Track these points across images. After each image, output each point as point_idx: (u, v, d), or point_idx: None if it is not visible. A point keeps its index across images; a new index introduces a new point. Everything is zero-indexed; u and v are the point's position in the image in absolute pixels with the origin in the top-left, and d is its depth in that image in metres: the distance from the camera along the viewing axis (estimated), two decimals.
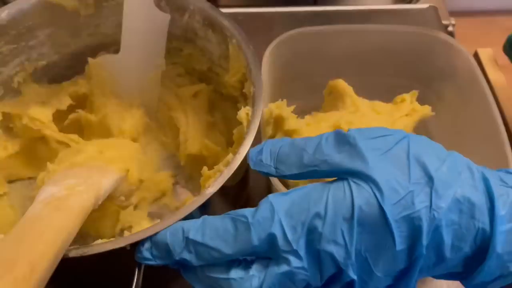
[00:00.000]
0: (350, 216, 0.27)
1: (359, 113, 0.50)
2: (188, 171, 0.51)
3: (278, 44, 0.48)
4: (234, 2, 0.76)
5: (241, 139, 0.38)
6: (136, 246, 0.32)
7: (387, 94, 0.52)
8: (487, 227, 0.27)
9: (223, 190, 0.35)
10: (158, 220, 0.34)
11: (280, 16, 0.69)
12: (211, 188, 0.34)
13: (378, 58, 0.52)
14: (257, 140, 0.38)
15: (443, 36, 0.51)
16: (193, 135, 0.49)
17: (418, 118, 0.51)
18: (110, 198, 0.42)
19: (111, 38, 0.51)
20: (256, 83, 0.41)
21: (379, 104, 0.52)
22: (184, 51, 0.52)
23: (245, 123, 0.40)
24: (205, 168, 0.41)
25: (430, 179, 0.27)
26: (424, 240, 0.26)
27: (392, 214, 0.27)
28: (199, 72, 0.53)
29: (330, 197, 0.28)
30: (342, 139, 0.30)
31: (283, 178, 0.33)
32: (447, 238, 0.27)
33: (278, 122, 0.46)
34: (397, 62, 0.52)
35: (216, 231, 0.29)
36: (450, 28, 0.69)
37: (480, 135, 0.47)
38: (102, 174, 0.41)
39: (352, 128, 0.31)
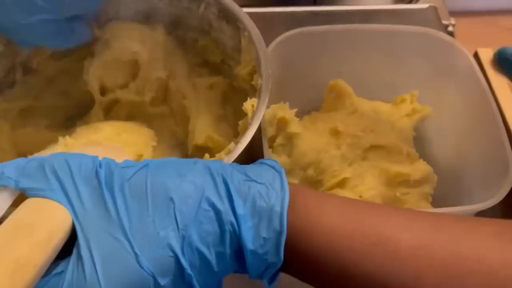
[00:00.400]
0: None
1: (357, 114, 0.50)
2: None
3: (278, 44, 0.48)
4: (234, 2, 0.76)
5: (246, 129, 0.38)
6: None
7: (387, 94, 0.52)
8: (236, 228, 0.27)
9: None
10: None
11: (280, 16, 0.69)
12: None
13: (378, 58, 0.52)
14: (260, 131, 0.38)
15: (443, 36, 0.51)
16: (201, 126, 0.49)
17: (418, 118, 0.51)
18: None
19: None
20: (264, 76, 0.41)
21: (379, 104, 0.52)
22: (199, 42, 0.52)
23: (250, 114, 0.40)
24: (206, 156, 0.42)
25: (170, 200, 0.27)
26: (184, 262, 0.26)
27: (144, 259, 0.25)
28: (213, 63, 0.53)
29: None
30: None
31: None
32: (204, 249, 0.27)
33: (281, 124, 0.46)
34: (397, 62, 0.52)
35: None
36: (450, 28, 0.69)
37: (480, 135, 0.47)
38: (118, 155, 0.41)
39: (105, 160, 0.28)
